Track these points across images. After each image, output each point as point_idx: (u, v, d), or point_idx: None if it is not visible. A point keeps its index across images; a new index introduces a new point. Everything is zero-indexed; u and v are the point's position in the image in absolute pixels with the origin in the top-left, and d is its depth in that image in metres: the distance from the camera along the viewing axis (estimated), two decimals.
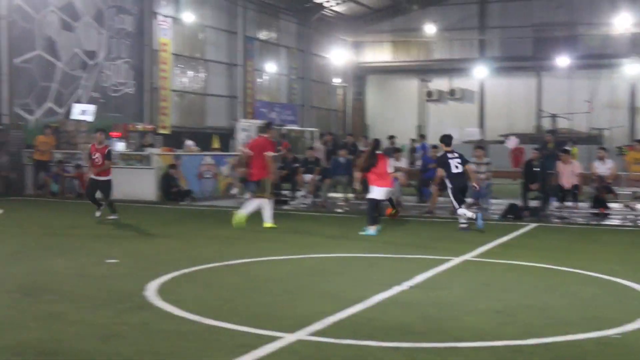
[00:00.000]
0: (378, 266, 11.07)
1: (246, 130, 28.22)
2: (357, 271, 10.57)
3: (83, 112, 26.22)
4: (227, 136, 32.47)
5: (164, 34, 30.54)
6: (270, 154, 15.30)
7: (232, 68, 35.81)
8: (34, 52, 25.14)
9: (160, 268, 10.32)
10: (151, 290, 8.78)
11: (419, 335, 7.07)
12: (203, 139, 29.93)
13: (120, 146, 25.60)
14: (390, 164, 14.95)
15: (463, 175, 15.80)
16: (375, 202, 14.71)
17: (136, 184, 22.19)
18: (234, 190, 22.74)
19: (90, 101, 27.13)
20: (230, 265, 10.85)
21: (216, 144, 29.27)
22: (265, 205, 15.24)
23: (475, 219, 15.01)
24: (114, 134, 26.72)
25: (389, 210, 17.85)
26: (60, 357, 6.12)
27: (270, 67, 38.88)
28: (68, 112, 26.05)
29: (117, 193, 21.92)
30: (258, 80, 37.68)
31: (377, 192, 14.69)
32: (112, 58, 28.43)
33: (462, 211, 15.43)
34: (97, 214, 16.55)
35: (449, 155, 15.93)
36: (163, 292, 8.71)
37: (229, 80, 35.76)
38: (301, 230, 15.43)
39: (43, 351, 6.27)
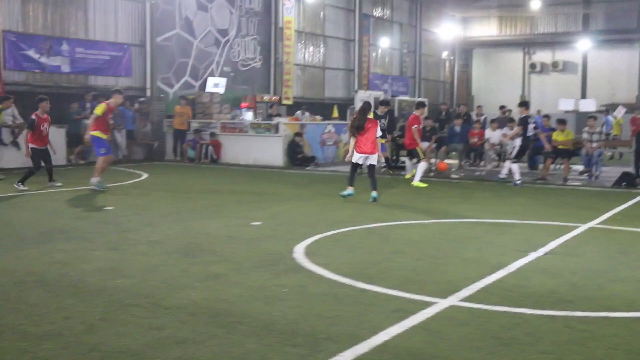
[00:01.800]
0: (510, 232, 10.50)
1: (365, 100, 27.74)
2: (491, 237, 10.03)
3: (216, 85, 26.37)
4: (344, 106, 32.11)
5: (288, 12, 30.29)
6: (415, 127, 17.00)
7: (348, 43, 35.35)
8: (173, 31, 25.37)
9: (302, 231, 10.10)
10: (299, 253, 8.54)
11: (570, 303, 6.56)
12: (322, 109, 29.70)
13: (249, 116, 25.66)
14: (378, 131, 13.62)
15: (531, 138, 17.82)
16: (353, 165, 13.80)
17: (265, 150, 22.20)
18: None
19: (222, 75, 27.28)
20: (368, 228, 10.51)
21: (335, 113, 28.93)
22: (421, 167, 16.80)
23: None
24: (243, 104, 26.80)
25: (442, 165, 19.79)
26: (231, 318, 5.89)
27: (384, 42, 38.26)
28: (203, 85, 26.25)
29: (247, 159, 22.16)
30: (372, 54, 37.07)
31: (356, 157, 13.62)
32: (241, 35, 28.45)
33: (515, 168, 17.11)
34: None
35: (529, 119, 17.69)
36: (310, 254, 8.45)
37: (346, 55, 35.33)
38: (424, 196, 14.95)
39: (214, 312, 6.05)
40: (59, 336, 5.39)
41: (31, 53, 21.01)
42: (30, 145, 14.85)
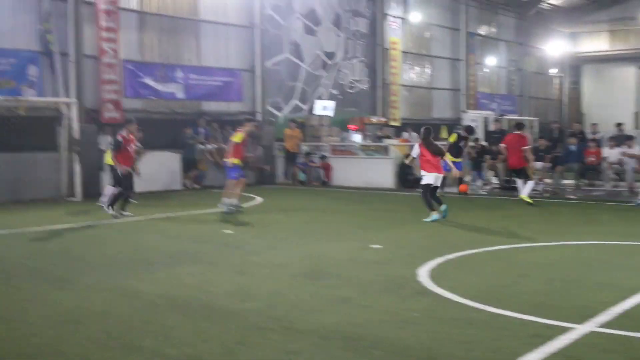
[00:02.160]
0: (639, 254, 10.10)
1: (474, 121, 27.38)
2: (620, 259, 9.66)
3: (324, 107, 26.61)
4: (452, 127, 31.74)
5: (394, 33, 30.34)
6: (526, 147, 17.03)
7: (455, 62, 35.05)
8: (282, 55, 25.80)
9: (423, 254, 9.97)
10: (423, 276, 8.44)
11: None
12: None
13: (357, 138, 25.77)
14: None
15: None
16: (427, 187, 13.96)
17: (375, 172, 22.18)
18: (467, 178, 22.12)
19: (330, 97, 27.50)
20: (490, 251, 10.29)
21: (444, 134, 28.66)
22: (530, 184, 17.07)
23: None
24: (351, 126, 26.94)
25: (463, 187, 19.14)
26: (364, 342, 5.87)
27: (490, 60, 37.74)
28: (311, 108, 26.53)
29: (358, 181, 22.19)
30: (479, 73, 36.62)
31: (428, 178, 13.90)
32: (348, 58, 28.65)
33: None
34: None
35: None
36: (435, 278, 8.33)
37: (452, 74, 35.03)
38: (542, 217, 14.57)
39: (347, 336, 6.04)
40: (199, 359, 5.49)
41: (148, 80, 21.78)
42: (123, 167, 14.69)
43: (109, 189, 16.62)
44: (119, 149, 14.66)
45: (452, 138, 19.58)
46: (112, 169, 16.36)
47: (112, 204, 14.76)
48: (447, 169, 16.37)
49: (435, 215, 13.82)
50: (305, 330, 6.22)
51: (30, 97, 18.72)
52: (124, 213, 14.67)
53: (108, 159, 17.12)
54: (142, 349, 5.73)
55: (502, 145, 17.82)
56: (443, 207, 13.92)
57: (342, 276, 8.55)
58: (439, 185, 14.31)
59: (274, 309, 6.96)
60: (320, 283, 8.17)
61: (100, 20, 20.27)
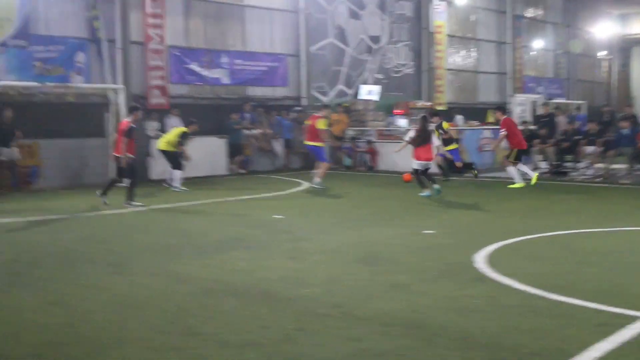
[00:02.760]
0: None
1: (522, 104, 26.97)
2: None
3: (369, 92, 26.41)
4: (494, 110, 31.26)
5: (439, 17, 29.90)
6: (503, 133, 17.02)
7: (501, 46, 34.46)
8: (326, 40, 25.63)
9: (478, 240, 9.78)
10: (480, 262, 8.26)
11: None
12: (474, 114, 29.12)
13: (402, 123, 25.52)
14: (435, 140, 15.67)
15: None
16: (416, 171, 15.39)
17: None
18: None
19: (375, 82, 27.27)
20: (547, 237, 10.05)
21: (490, 118, 28.21)
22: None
23: None
24: (397, 111, 26.68)
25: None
26: (428, 330, 5.73)
27: (537, 43, 37.04)
28: (356, 93, 26.35)
29: (404, 166, 21.86)
30: (525, 56, 35.98)
31: (416, 164, 15.28)
32: (393, 42, 28.37)
33: None
34: None
35: None
36: (493, 264, 8.14)
37: (498, 58, 34.46)
38: (593, 203, 14.26)
39: (408, 323, 5.91)
40: (259, 346, 5.40)
41: (193, 66, 21.79)
42: (129, 155, 14.06)
43: (175, 173, 17.13)
44: (131, 136, 14.01)
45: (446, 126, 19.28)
46: (165, 153, 16.57)
47: (131, 198, 14.05)
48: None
49: (427, 192, 15.10)
50: (365, 317, 6.09)
51: (79, 83, 18.87)
52: (134, 203, 14.01)
53: (161, 144, 17.24)
54: (201, 335, 5.66)
55: (502, 131, 17.15)
56: (436, 186, 15.09)
57: (397, 262, 8.40)
58: (429, 167, 15.74)
59: (331, 295, 6.85)
60: (375, 269, 8.04)
61: (147, 7, 20.32)
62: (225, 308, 6.42)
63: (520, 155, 17.38)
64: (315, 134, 17.35)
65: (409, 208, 13.67)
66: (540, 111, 23.17)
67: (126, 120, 14.43)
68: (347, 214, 12.79)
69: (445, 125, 19.50)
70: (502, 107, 18.51)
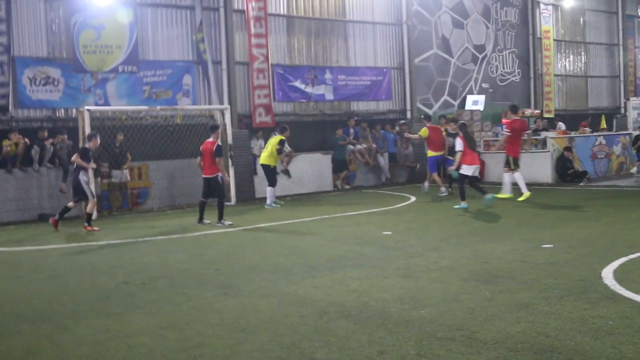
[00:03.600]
0: None
1: (638, 108, 25.72)
2: None
3: (475, 102, 25.82)
4: (610, 116, 29.99)
5: (546, 21, 29.00)
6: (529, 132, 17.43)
7: (612, 48, 33.04)
8: (430, 51, 25.20)
9: (602, 254, 9.20)
10: (608, 278, 7.70)
11: None
12: (585, 120, 27.92)
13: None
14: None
15: None
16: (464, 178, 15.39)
17: (533, 167, 21.10)
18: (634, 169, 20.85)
19: (481, 91, 26.62)
20: None
21: (604, 124, 27.03)
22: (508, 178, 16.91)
23: None
24: (504, 120, 25.88)
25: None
26: (559, 356, 5.26)
27: None
28: (462, 103, 25.78)
29: (513, 177, 21.13)
30: (638, 57, 34.37)
31: (468, 170, 15.27)
32: (498, 49, 27.62)
33: None
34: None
35: None
36: (622, 280, 7.58)
37: (609, 61, 33.02)
38: None
39: (537, 347, 5.46)
40: None
41: (297, 84, 21.79)
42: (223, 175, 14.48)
43: (269, 190, 17.36)
44: (220, 154, 14.23)
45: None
46: (265, 168, 16.74)
47: (221, 217, 14.22)
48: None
49: (464, 204, 15.08)
50: (489, 340, 5.68)
51: (186, 105, 19.15)
52: (226, 222, 14.13)
53: (263, 158, 17.28)
54: None
55: (506, 131, 16.94)
56: (488, 195, 15.05)
57: (517, 279, 7.92)
58: (477, 175, 15.72)
59: (451, 316, 6.47)
60: (494, 287, 7.59)
61: (251, 27, 20.45)
62: (341, 332, 6.14)
63: (517, 163, 16.83)
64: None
65: (522, 221, 13.07)
66: None
67: (211, 140, 14.43)
68: (458, 229, 12.31)
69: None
70: (515, 107, 17.81)
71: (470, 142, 15.42)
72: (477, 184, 15.78)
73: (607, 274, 7.89)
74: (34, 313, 7.40)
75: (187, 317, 6.93)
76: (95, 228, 14.13)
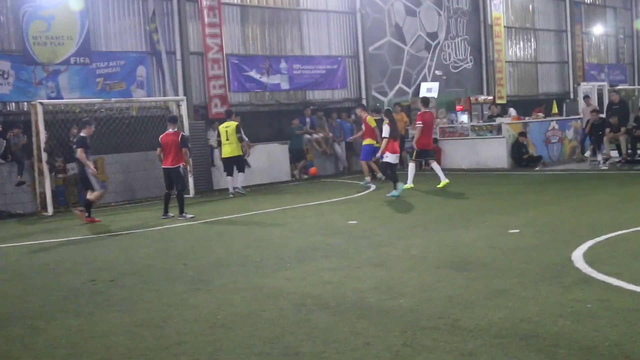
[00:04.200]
0: None
1: (587, 92, 26.10)
2: None
3: (429, 89, 25.89)
4: (560, 101, 30.42)
5: (497, 8, 29.23)
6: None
7: (560, 34, 33.54)
8: (384, 39, 25.20)
9: (569, 237, 9.31)
10: (579, 262, 7.78)
11: None
12: (537, 106, 28.28)
13: (464, 118, 24.97)
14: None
15: None
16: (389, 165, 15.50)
17: (488, 153, 21.36)
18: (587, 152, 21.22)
19: (434, 79, 26.73)
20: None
21: (555, 109, 27.41)
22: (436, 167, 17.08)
23: None
24: (458, 107, 26.11)
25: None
26: (545, 341, 5.25)
27: (598, 29, 35.95)
28: (416, 91, 25.88)
29: (470, 162, 21.38)
30: (586, 43, 34.94)
31: (392, 157, 15.36)
32: (451, 37, 27.78)
33: None
34: None
35: None
36: (593, 263, 7.66)
37: (558, 47, 33.53)
38: None
39: (521, 334, 5.43)
40: None
41: (252, 73, 21.61)
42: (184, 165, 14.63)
43: (241, 176, 17.90)
44: (186, 145, 14.50)
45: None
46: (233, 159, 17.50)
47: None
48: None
49: (401, 185, 15.25)
50: (474, 328, 5.67)
51: (141, 97, 18.83)
52: (188, 215, 13.98)
53: (233, 150, 17.49)
54: (302, 355, 5.32)
55: (419, 123, 16.95)
56: (399, 187, 15.22)
57: (489, 266, 7.96)
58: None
59: (430, 305, 6.45)
60: (468, 274, 7.60)
61: (204, 16, 20.18)
62: (322, 324, 6.06)
63: (422, 155, 17.21)
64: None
65: (483, 207, 13.16)
66: (612, 98, 22.26)
67: (174, 131, 14.31)
68: (422, 217, 12.33)
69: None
70: (426, 99, 18.26)
71: (394, 131, 15.33)
72: (395, 173, 15.63)
73: (577, 258, 7.97)
74: (0, 316, 7.17)
75: (162, 314, 6.79)
76: (96, 219, 14.08)
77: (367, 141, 18.44)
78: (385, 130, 15.30)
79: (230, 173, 17.86)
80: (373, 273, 7.96)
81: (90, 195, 14.12)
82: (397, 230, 10.94)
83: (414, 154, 17.06)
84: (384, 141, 15.35)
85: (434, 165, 17.18)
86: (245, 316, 6.49)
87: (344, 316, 6.27)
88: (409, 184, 16.52)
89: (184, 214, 13.93)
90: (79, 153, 13.98)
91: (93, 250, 10.88)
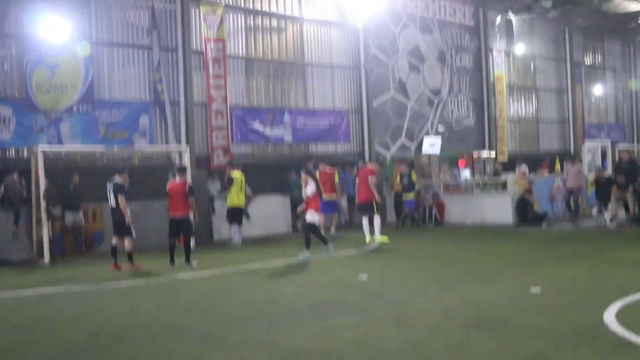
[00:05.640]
0: None
1: (591, 151, 25.91)
2: None
3: (431, 145, 25.70)
4: (561, 159, 30.21)
5: (499, 67, 29.24)
6: (373, 179, 16.75)
7: (561, 93, 33.56)
8: (388, 94, 25.04)
9: (596, 297, 8.92)
10: (613, 324, 7.33)
11: None
12: (537, 163, 28.13)
13: (465, 174, 24.76)
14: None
15: None
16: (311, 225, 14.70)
17: (493, 209, 20.99)
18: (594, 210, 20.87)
19: (437, 134, 26.52)
20: None
21: (558, 167, 27.21)
22: (377, 221, 16.64)
23: None
24: (460, 163, 25.89)
25: None
26: None
27: (597, 89, 36.01)
28: (419, 146, 25.65)
29: (474, 219, 20.96)
30: (586, 102, 34.94)
31: (315, 216, 14.64)
32: (454, 94, 27.66)
33: None
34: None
35: None
36: (628, 325, 7.21)
37: (559, 105, 33.51)
38: None
39: None
40: None
41: (256, 125, 21.32)
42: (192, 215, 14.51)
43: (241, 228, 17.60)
44: (193, 195, 14.24)
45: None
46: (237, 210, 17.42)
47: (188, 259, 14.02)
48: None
49: (308, 254, 14.21)
50: None
51: (143, 146, 18.49)
52: (194, 263, 13.94)
53: (234, 200, 17.38)
54: None
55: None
56: (331, 245, 14.75)
57: (518, 326, 7.49)
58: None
59: None
60: (499, 336, 7.13)
61: (209, 68, 19.98)
62: None
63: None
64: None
65: (496, 264, 12.71)
66: (623, 157, 21.94)
67: (180, 181, 14.20)
68: (436, 273, 11.87)
69: (413, 175, 20.99)
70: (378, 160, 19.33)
71: (319, 188, 14.68)
72: (320, 232, 15.04)
73: (610, 319, 7.53)
74: None
75: None
76: (142, 265, 13.80)
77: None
78: (310, 188, 14.53)
79: (234, 221, 17.54)
80: (395, 332, 7.49)
81: (128, 246, 13.84)
82: (413, 287, 10.49)
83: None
84: (307, 200, 14.62)
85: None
86: None
87: None
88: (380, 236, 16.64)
89: (189, 262, 13.73)
90: (121, 199, 13.73)
91: (93, 303, 10.37)
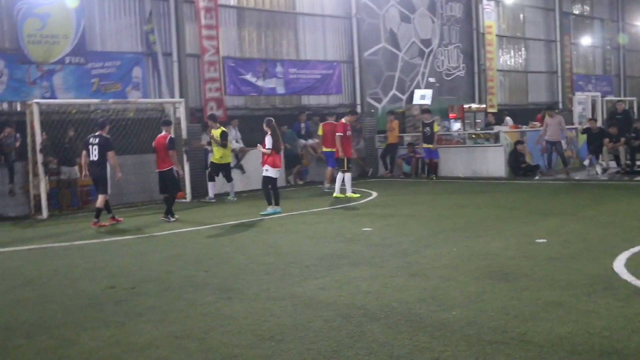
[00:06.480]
0: None
1: (582, 103, 26.10)
2: None
3: (422, 96, 25.71)
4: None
5: (489, 17, 29.14)
6: (339, 134, 16.97)
7: (550, 44, 33.55)
8: (379, 45, 24.96)
9: (602, 247, 9.12)
10: (624, 273, 7.53)
11: None
12: (526, 115, 28.26)
13: (456, 126, 24.82)
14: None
15: None
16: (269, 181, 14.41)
17: (485, 161, 21.16)
18: (586, 161, 21.05)
19: (427, 86, 26.55)
20: None
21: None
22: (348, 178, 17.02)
23: None
24: (451, 115, 25.93)
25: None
26: (628, 357, 4.99)
27: (585, 40, 36.04)
28: (410, 98, 25.66)
29: (466, 171, 21.13)
30: (574, 53, 34.99)
31: (274, 172, 14.38)
32: (444, 44, 27.61)
33: None
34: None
35: None
36: (638, 275, 7.38)
37: (547, 57, 33.53)
38: None
39: (600, 351, 5.13)
40: None
41: (249, 77, 21.22)
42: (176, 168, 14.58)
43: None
44: (174, 147, 14.28)
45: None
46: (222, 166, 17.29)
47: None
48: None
49: (271, 209, 14.23)
50: (545, 343, 5.35)
51: (137, 98, 18.38)
52: (172, 218, 14.03)
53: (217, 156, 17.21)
54: None
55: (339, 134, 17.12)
56: (276, 209, 14.36)
57: (530, 276, 7.65)
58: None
59: (486, 317, 6.12)
60: (512, 285, 7.28)
61: (201, 18, 19.79)
62: (379, 337, 5.71)
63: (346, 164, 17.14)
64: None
65: (501, 216, 12.88)
66: (617, 108, 22.12)
67: (164, 134, 14.28)
68: (438, 225, 11.98)
69: (435, 125, 21.11)
70: (354, 111, 19.27)
71: (276, 143, 14.25)
72: (277, 190, 14.60)
73: (620, 269, 7.72)
74: (24, 324, 6.74)
75: (200, 324, 6.40)
76: (106, 224, 13.71)
77: (324, 149, 18.62)
78: (268, 141, 14.18)
79: (212, 179, 17.49)
80: (411, 282, 7.62)
81: (100, 202, 13.80)
82: (418, 238, 10.62)
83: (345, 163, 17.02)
84: (264, 156, 14.26)
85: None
86: (292, 328, 6.12)
87: (399, 329, 5.92)
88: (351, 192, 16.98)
89: (168, 216, 13.89)
90: (111, 155, 13.73)
91: (101, 256, 10.43)
